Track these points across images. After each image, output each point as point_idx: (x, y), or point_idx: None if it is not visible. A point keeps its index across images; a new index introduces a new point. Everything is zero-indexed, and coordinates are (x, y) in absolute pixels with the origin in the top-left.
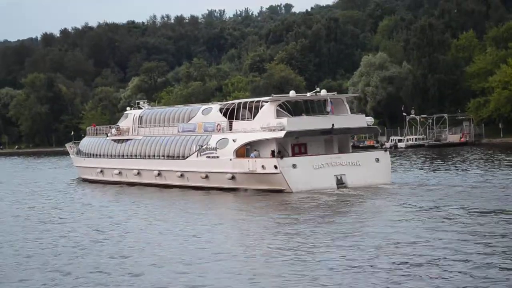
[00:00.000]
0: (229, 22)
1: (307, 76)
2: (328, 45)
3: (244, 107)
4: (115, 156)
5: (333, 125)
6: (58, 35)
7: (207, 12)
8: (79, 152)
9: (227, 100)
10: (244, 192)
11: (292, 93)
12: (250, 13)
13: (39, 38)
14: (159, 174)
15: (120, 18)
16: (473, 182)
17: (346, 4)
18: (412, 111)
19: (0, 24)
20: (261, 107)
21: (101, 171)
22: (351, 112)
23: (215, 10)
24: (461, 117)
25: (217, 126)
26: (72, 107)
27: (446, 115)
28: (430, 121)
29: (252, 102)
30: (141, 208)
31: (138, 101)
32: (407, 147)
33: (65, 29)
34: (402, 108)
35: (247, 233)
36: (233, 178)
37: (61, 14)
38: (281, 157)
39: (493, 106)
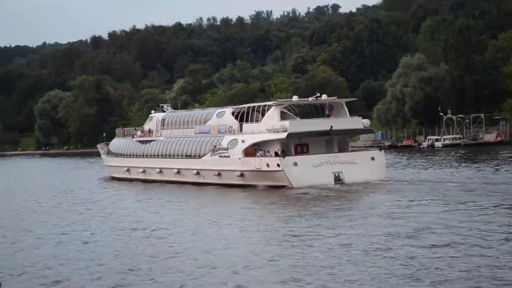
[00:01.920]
0: (275, 23)
1: (349, 77)
2: (370, 46)
3: (253, 111)
4: (140, 156)
5: (331, 127)
6: (106, 38)
7: (254, 13)
8: (109, 152)
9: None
10: (258, 188)
11: (295, 97)
12: (297, 14)
13: (88, 41)
14: (178, 172)
15: (167, 20)
16: (465, 179)
17: (390, 5)
18: (449, 111)
19: (51, 26)
20: (267, 111)
21: (128, 170)
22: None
23: (263, 11)
24: (498, 117)
25: (229, 128)
26: (119, 108)
27: (482, 115)
28: (467, 120)
29: (260, 106)
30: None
31: (162, 105)
32: (444, 146)
33: (114, 31)
34: (439, 108)
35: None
36: (242, 175)
37: (110, 17)
38: (284, 156)
39: None
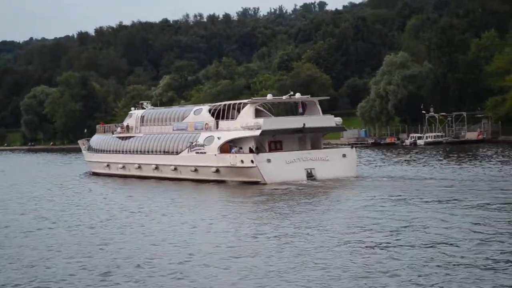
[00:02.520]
0: (262, 20)
1: (334, 75)
2: (355, 44)
3: (229, 108)
4: (119, 151)
5: (304, 124)
6: (93, 33)
7: (241, 10)
8: (89, 148)
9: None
10: (230, 183)
11: (269, 96)
12: (284, 11)
13: (75, 36)
14: (156, 168)
15: (154, 17)
16: (430, 175)
17: (375, 2)
18: (432, 109)
19: (38, 22)
20: (243, 108)
21: (108, 165)
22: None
23: (250, 8)
24: (480, 115)
25: (205, 125)
26: (105, 104)
27: (465, 113)
28: (450, 119)
29: (235, 104)
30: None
31: (141, 102)
32: (426, 144)
33: (100, 27)
34: (422, 106)
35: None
36: (217, 171)
37: (97, 12)
38: (257, 153)
39: (509, 104)
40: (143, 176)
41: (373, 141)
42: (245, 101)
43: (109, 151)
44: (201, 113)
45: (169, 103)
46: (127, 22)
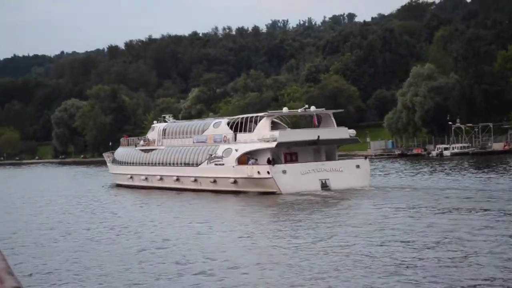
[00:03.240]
0: (290, 33)
1: (361, 87)
2: (383, 56)
3: (247, 121)
4: (142, 164)
5: (318, 136)
6: (123, 47)
7: (270, 22)
8: (114, 161)
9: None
10: (249, 194)
11: (285, 109)
12: (313, 23)
13: (105, 50)
14: (177, 179)
15: (183, 30)
16: (446, 185)
17: (404, 14)
18: (458, 120)
19: (69, 36)
20: (259, 121)
21: (131, 177)
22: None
23: (279, 20)
24: (506, 126)
25: (224, 137)
26: (134, 117)
27: (491, 124)
28: (476, 129)
29: (252, 117)
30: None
31: (164, 115)
32: (452, 155)
33: (130, 41)
34: (448, 117)
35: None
36: (235, 182)
37: (127, 26)
38: (273, 164)
39: None
40: (164, 187)
41: (400, 152)
42: (262, 114)
43: (132, 163)
44: (220, 126)
45: (197, 115)
46: (156, 35)
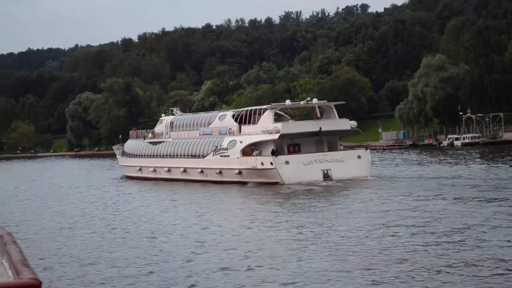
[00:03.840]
0: (303, 24)
1: (374, 77)
2: (395, 47)
3: (251, 114)
4: (150, 156)
5: (320, 128)
6: (136, 40)
7: (283, 13)
8: (123, 153)
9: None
10: (248, 185)
11: (287, 101)
12: (326, 14)
13: (119, 43)
14: (184, 171)
15: (196, 22)
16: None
17: (416, 4)
18: (469, 110)
19: (83, 29)
20: (263, 113)
21: (140, 169)
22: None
23: (292, 12)
24: None
25: (229, 129)
26: (148, 110)
27: (501, 114)
28: (487, 119)
29: (256, 109)
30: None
31: (171, 108)
32: (463, 145)
33: (144, 34)
34: (459, 108)
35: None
36: (240, 173)
37: (141, 19)
38: (276, 155)
39: None
40: (172, 178)
41: (411, 142)
42: (265, 106)
43: (141, 155)
44: (225, 118)
45: (210, 108)
46: (169, 28)
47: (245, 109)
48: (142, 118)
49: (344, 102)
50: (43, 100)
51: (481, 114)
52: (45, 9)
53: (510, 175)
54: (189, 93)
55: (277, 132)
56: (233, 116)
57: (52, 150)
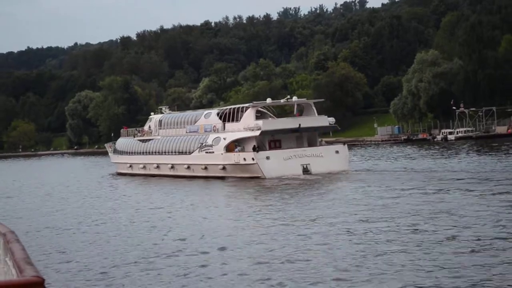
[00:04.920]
0: (301, 21)
1: (369, 73)
2: (391, 43)
3: (234, 112)
4: (140, 153)
5: (299, 124)
6: (135, 38)
7: (282, 10)
8: (115, 151)
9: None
10: (227, 180)
11: (268, 100)
12: (324, 10)
13: (118, 41)
14: (172, 167)
15: (194, 19)
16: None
17: (412, 0)
18: (461, 105)
19: (82, 27)
20: (245, 111)
21: (130, 166)
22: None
23: (290, 8)
24: (510, 110)
25: (213, 127)
26: (147, 107)
27: (494, 108)
28: (480, 114)
29: (239, 107)
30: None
31: (160, 107)
32: (457, 139)
33: (143, 32)
34: (451, 102)
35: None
36: (224, 168)
37: (140, 16)
38: (257, 151)
39: None
40: (161, 174)
41: (405, 137)
42: (247, 104)
43: (131, 152)
44: (210, 116)
45: (208, 105)
46: (168, 26)
47: (229, 107)
48: (141, 116)
49: (323, 100)
50: (43, 98)
51: (474, 109)
52: (45, 8)
53: (493, 167)
54: (188, 90)
55: (258, 129)
56: (217, 114)
57: (52, 148)
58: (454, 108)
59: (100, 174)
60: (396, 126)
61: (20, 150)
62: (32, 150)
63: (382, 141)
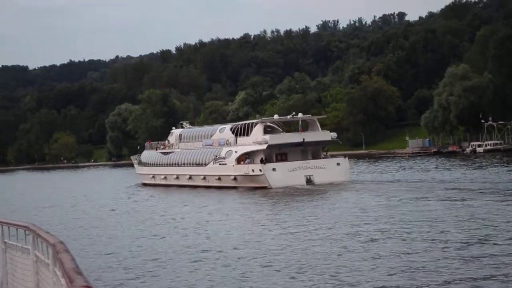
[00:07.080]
0: (338, 34)
1: (403, 87)
2: (425, 56)
3: (245, 127)
4: (162, 165)
5: (303, 139)
6: (174, 51)
7: (321, 23)
8: (140, 163)
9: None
10: (240, 189)
11: (276, 116)
12: (363, 23)
13: (158, 54)
14: (190, 178)
15: (233, 33)
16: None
17: (449, 13)
18: (490, 118)
19: (124, 41)
20: (255, 127)
21: (153, 177)
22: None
23: (329, 21)
24: None
25: (226, 141)
26: (185, 120)
27: None
28: (509, 127)
29: (250, 123)
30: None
31: (181, 122)
32: (485, 151)
33: (183, 45)
34: (480, 116)
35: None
36: (235, 179)
37: (179, 30)
38: (265, 163)
39: None
40: (180, 185)
41: (436, 150)
42: (256, 120)
43: (154, 164)
44: (224, 131)
45: (245, 117)
46: (206, 39)
47: (242, 122)
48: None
49: (325, 116)
50: (84, 111)
51: (502, 122)
52: (87, 21)
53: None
54: (225, 103)
55: (265, 143)
56: (231, 129)
57: (92, 160)
58: (483, 121)
59: (128, 184)
60: (427, 139)
61: (65, 161)
62: (73, 161)
63: (413, 153)
